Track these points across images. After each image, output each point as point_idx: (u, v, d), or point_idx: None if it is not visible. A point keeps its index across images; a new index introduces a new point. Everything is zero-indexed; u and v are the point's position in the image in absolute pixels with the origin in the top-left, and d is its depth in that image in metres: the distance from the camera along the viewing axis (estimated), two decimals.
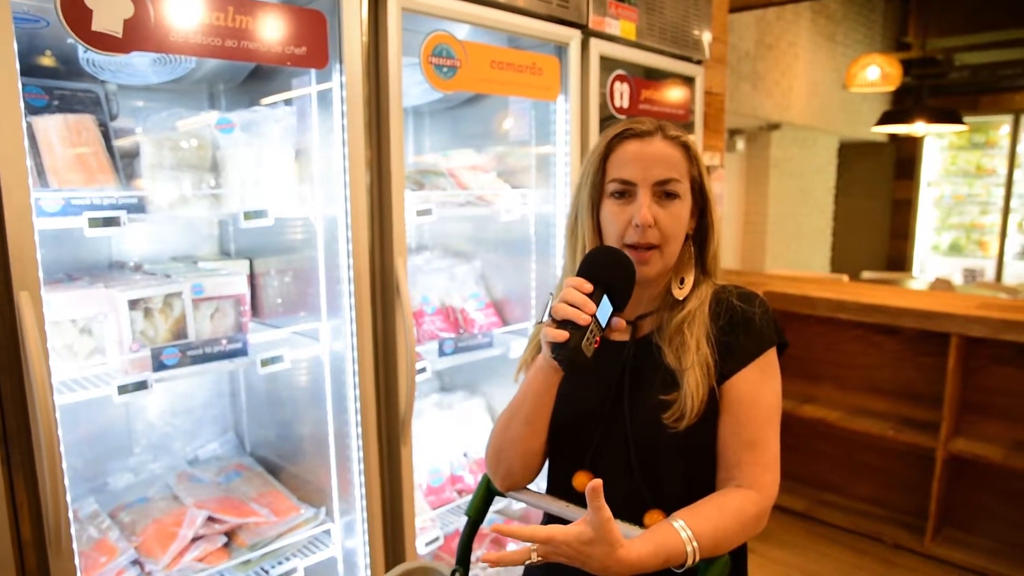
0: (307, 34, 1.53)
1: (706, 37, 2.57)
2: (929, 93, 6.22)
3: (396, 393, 1.78)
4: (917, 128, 5.76)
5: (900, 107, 6.49)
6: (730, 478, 1.08)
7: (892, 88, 5.66)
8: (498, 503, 1.45)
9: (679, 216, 1.12)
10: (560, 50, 2.07)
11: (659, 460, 1.10)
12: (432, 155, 2.34)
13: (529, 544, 0.94)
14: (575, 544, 0.92)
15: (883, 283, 5.43)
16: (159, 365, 1.50)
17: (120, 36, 1.28)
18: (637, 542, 0.94)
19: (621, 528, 0.94)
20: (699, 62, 2.60)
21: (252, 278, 1.98)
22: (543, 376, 1.10)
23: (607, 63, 2.21)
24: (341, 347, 1.74)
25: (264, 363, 1.64)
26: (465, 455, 2.31)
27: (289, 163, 1.72)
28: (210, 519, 1.68)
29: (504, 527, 0.95)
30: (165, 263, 1.89)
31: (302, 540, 1.79)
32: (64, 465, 1.26)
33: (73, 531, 1.30)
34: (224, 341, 1.60)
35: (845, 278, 4.90)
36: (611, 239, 1.13)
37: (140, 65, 1.58)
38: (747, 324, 1.12)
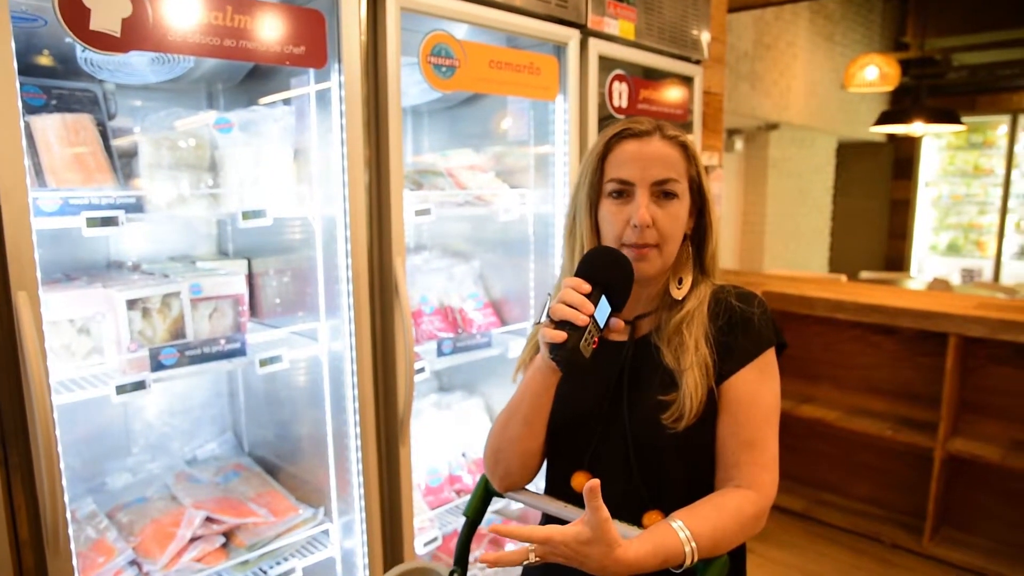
0: (306, 34, 1.53)
1: (704, 37, 2.57)
2: (927, 93, 6.23)
3: (395, 393, 1.78)
4: (915, 128, 5.77)
5: (898, 107, 6.49)
6: (729, 478, 1.08)
7: (890, 88, 5.67)
8: (496, 503, 1.45)
9: (677, 216, 1.12)
10: (559, 50, 2.07)
11: (658, 460, 1.10)
12: (431, 155, 2.34)
13: (527, 544, 0.94)
14: (573, 544, 0.92)
15: (881, 283, 5.43)
16: (157, 365, 1.50)
17: (118, 35, 1.28)
18: (635, 542, 0.94)
19: (619, 528, 0.94)
20: (698, 62, 2.61)
21: (250, 278, 1.98)
22: (541, 376, 1.10)
23: (606, 63, 2.21)
24: (340, 347, 1.74)
25: (263, 363, 1.64)
26: (463, 455, 2.31)
27: (287, 163, 1.72)
28: (208, 519, 1.68)
29: (502, 527, 0.95)
30: (163, 263, 1.89)
31: (300, 540, 1.79)
32: (62, 465, 1.25)
33: (71, 531, 1.30)
34: (222, 341, 1.59)
35: (843, 278, 4.90)
36: (609, 239, 1.13)
37: (138, 64, 1.58)
38: (746, 324, 1.12)
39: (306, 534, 1.79)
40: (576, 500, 1.11)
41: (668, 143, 1.12)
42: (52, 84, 1.52)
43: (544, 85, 2.05)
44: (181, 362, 1.53)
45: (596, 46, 2.14)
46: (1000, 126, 8.04)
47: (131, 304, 1.50)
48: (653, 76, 2.46)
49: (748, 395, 1.09)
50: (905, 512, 3.30)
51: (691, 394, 1.06)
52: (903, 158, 8.54)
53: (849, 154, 7.98)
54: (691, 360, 1.08)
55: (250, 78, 1.88)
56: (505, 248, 2.35)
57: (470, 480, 2.23)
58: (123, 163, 1.56)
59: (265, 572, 1.71)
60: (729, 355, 1.10)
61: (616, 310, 1.05)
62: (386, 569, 1.82)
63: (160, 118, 1.66)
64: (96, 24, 1.25)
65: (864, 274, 6.48)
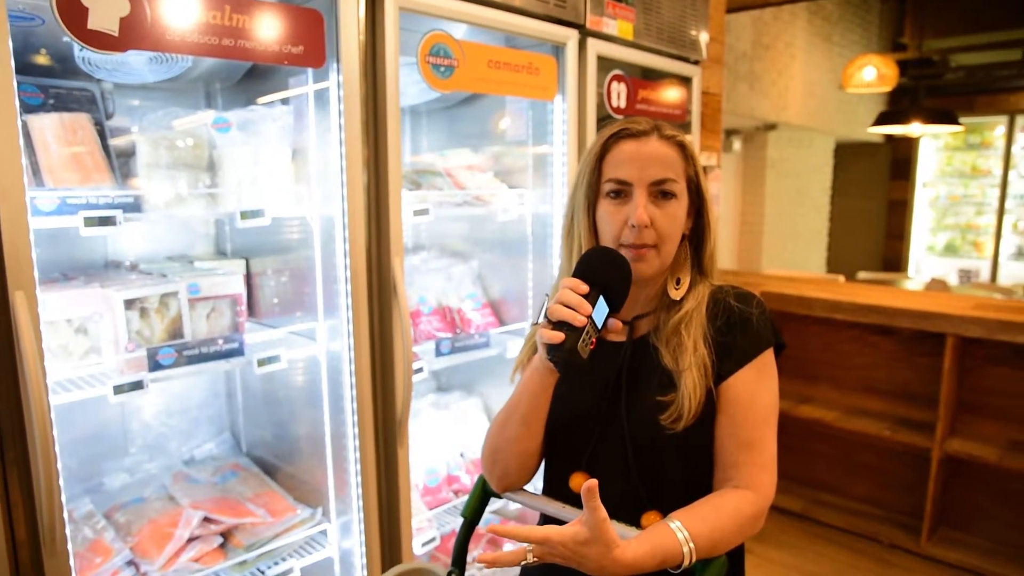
0: (304, 33, 1.52)
1: (703, 37, 2.58)
2: (925, 94, 6.24)
3: (393, 393, 1.78)
4: (913, 129, 5.78)
5: (896, 108, 6.50)
6: (727, 479, 1.08)
7: (888, 89, 5.68)
8: (494, 503, 1.45)
9: (675, 216, 1.12)
10: (557, 50, 2.07)
11: (656, 461, 1.10)
12: (429, 155, 2.34)
13: (525, 544, 0.94)
14: (571, 545, 0.92)
15: (879, 283, 5.44)
16: (155, 365, 1.49)
17: (116, 34, 1.27)
18: (633, 543, 0.94)
19: (617, 529, 0.94)
20: (696, 62, 2.61)
21: (248, 278, 1.98)
22: (539, 377, 1.10)
23: (604, 63, 2.21)
24: (338, 347, 1.73)
25: (261, 363, 1.63)
26: (462, 455, 2.31)
27: (286, 162, 1.71)
28: (206, 519, 1.67)
29: (500, 527, 0.95)
30: (161, 263, 1.89)
31: (298, 540, 1.79)
32: (59, 465, 1.25)
33: (68, 532, 1.30)
34: (220, 341, 1.59)
35: (841, 278, 4.91)
36: (607, 239, 1.13)
37: (136, 64, 1.57)
38: (744, 325, 1.12)
39: (304, 534, 1.79)
40: (574, 500, 1.10)
41: (666, 143, 1.12)
42: (50, 83, 1.52)
43: (543, 85, 2.05)
44: (179, 362, 1.53)
45: (595, 46, 2.15)
46: (997, 127, 8.05)
47: (129, 304, 1.50)
48: (651, 76, 2.46)
49: (747, 395, 1.09)
50: (903, 512, 3.31)
51: (690, 395, 1.06)
52: (901, 159, 8.55)
53: (847, 154, 8.00)
54: (690, 360, 1.08)
55: (248, 78, 1.88)
56: (503, 248, 2.35)
57: (468, 480, 2.23)
58: (121, 162, 1.55)
59: (263, 572, 1.70)
60: (728, 355, 1.10)
61: (614, 310, 1.05)
62: (384, 569, 1.82)
63: (158, 117, 1.65)
64: (94, 23, 1.25)
65: (862, 274, 6.49)
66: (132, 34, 1.29)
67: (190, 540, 1.63)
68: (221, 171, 1.64)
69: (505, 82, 1.94)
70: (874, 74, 5.50)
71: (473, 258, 2.41)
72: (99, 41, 1.26)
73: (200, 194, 1.60)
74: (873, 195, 8.63)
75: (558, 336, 0.99)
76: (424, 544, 1.98)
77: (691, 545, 0.96)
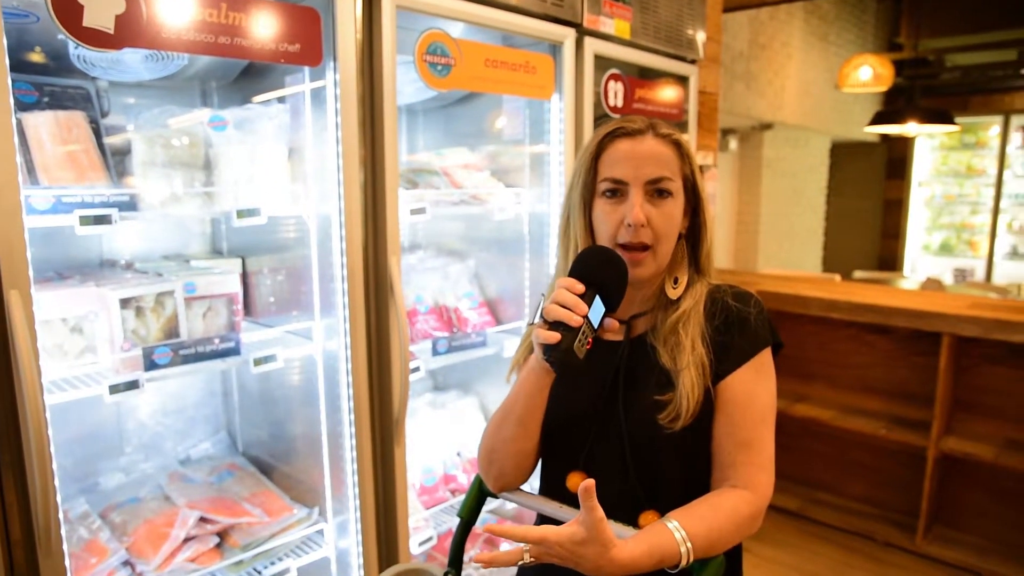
0: (301, 31, 1.52)
1: (700, 37, 2.58)
2: (920, 94, 6.25)
3: (389, 392, 1.77)
4: (909, 128, 5.79)
5: (892, 107, 6.52)
6: (725, 478, 1.08)
7: (884, 88, 5.69)
8: (491, 503, 1.45)
9: (672, 215, 1.12)
10: (554, 49, 2.07)
11: (654, 460, 1.10)
12: (426, 154, 2.33)
13: (522, 544, 0.94)
14: (568, 544, 0.92)
15: (875, 283, 5.45)
16: (151, 364, 1.49)
17: (111, 32, 1.27)
18: (630, 542, 0.94)
19: (615, 528, 0.94)
20: (693, 61, 2.61)
21: (245, 277, 1.97)
22: (535, 377, 1.09)
23: (601, 62, 2.21)
24: (334, 346, 1.73)
25: (257, 362, 1.63)
26: (458, 454, 2.30)
27: (282, 161, 1.71)
28: (202, 519, 1.67)
29: (497, 527, 0.95)
30: (157, 261, 1.88)
31: (295, 540, 1.79)
32: (54, 465, 1.25)
33: (63, 532, 1.29)
34: (216, 340, 1.59)
35: (837, 277, 4.92)
36: (603, 239, 1.12)
37: (132, 62, 1.57)
38: (742, 324, 1.12)
39: (301, 534, 1.79)
40: (571, 500, 1.10)
41: (661, 141, 1.12)
42: (44, 81, 1.51)
43: (540, 84, 2.04)
44: (175, 361, 1.52)
45: (592, 45, 2.14)
46: (992, 127, 8.08)
47: (124, 303, 1.49)
48: (648, 75, 2.46)
49: (744, 395, 1.09)
50: (899, 511, 3.32)
51: (688, 394, 1.06)
52: (896, 158, 8.57)
53: (843, 154, 8.01)
54: (688, 360, 1.08)
55: (245, 76, 1.88)
56: (500, 247, 2.34)
57: (465, 479, 2.23)
58: (116, 161, 1.55)
59: (260, 572, 1.70)
60: (725, 355, 1.10)
61: (611, 310, 1.05)
62: (381, 569, 1.81)
63: (154, 116, 1.65)
64: (89, 21, 1.24)
65: (858, 273, 6.51)
66: (127, 32, 1.28)
67: (186, 540, 1.62)
68: (217, 170, 1.63)
69: (502, 81, 1.94)
70: (870, 74, 5.51)
71: (470, 257, 2.41)
72: (94, 39, 1.25)
73: (196, 193, 1.60)
74: (869, 194, 8.65)
75: (554, 336, 0.98)
76: (421, 543, 1.97)
77: (688, 545, 0.96)
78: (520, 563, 0.94)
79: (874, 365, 3.39)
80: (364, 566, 1.80)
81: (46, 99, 1.49)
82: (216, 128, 1.63)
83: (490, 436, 1.18)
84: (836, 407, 3.44)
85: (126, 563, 1.57)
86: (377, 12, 1.63)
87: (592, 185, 1.14)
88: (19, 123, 1.38)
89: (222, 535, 1.69)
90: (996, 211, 8.05)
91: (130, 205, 1.45)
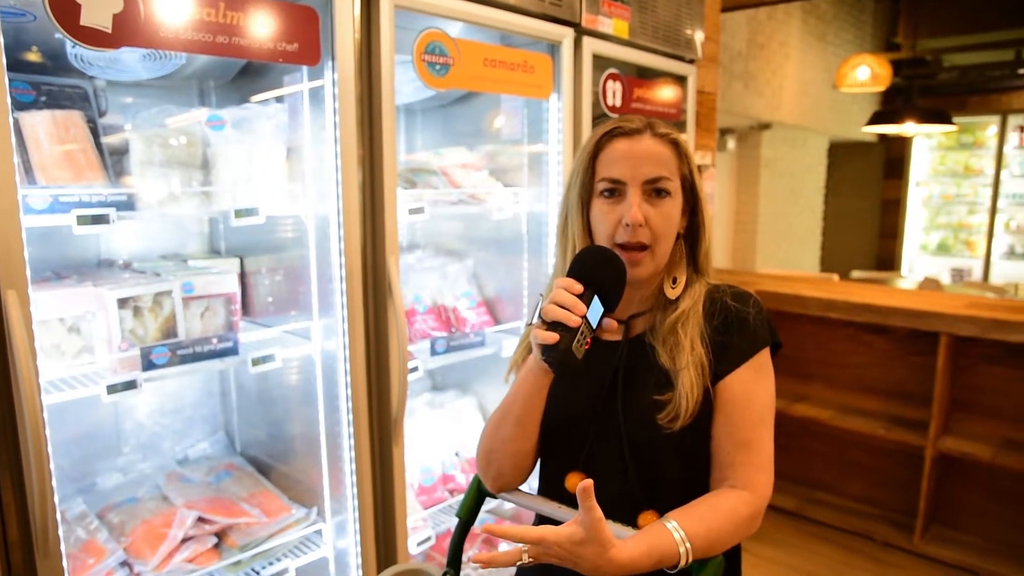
0: (299, 31, 1.52)
1: (698, 36, 2.58)
2: (918, 94, 6.26)
3: (388, 392, 1.77)
4: (907, 128, 5.80)
5: (890, 107, 6.52)
6: (724, 478, 1.08)
7: (882, 88, 5.69)
8: (490, 503, 1.44)
9: (670, 215, 1.11)
10: (553, 48, 2.07)
11: (653, 460, 1.10)
12: (424, 153, 2.33)
13: (520, 545, 0.94)
14: (566, 545, 0.92)
15: (872, 282, 5.46)
16: (148, 364, 1.48)
17: (109, 31, 1.26)
18: (629, 543, 0.94)
19: (614, 529, 0.94)
20: (691, 61, 2.61)
21: (243, 277, 1.97)
22: (533, 378, 1.09)
23: (600, 61, 2.21)
24: (333, 346, 1.73)
25: (255, 362, 1.63)
26: (457, 454, 2.30)
27: (280, 161, 1.71)
28: (200, 519, 1.66)
29: (495, 527, 0.95)
30: (154, 261, 1.87)
31: (293, 540, 1.78)
32: (52, 465, 1.24)
33: (61, 532, 1.29)
34: (215, 340, 1.58)
35: (835, 277, 4.92)
36: (601, 239, 1.12)
37: (129, 61, 1.56)
38: (741, 324, 1.12)
39: (299, 534, 1.78)
40: (570, 501, 1.10)
41: (659, 141, 1.12)
42: (41, 80, 1.51)
43: (538, 83, 2.04)
44: (173, 361, 1.52)
45: (590, 45, 2.14)
46: (990, 127, 8.09)
47: (122, 303, 1.49)
48: (647, 75, 2.46)
49: (743, 395, 1.09)
50: (897, 510, 3.32)
51: (687, 394, 1.05)
52: (894, 158, 8.58)
53: (841, 154, 8.02)
54: (687, 360, 1.08)
55: (243, 75, 1.87)
56: (499, 247, 2.34)
57: (463, 479, 2.23)
58: (114, 160, 1.54)
59: (258, 572, 1.70)
60: (724, 355, 1.10)
61: (609, 310, 1.04)
62: (379, 569, 1.81)
63: (151, 115, 1.64)
64: (86, 20, 1.24)
65: (855, 273, 6.51)
66: (125, 31, 1.28)
67: (184, 540, 1.62)
68: (215, 169, 1.63)
69: (501, 80, 1.94)
70: (868, 74, 5.51)
71: (468, 257, 2.41)
72: (92, 38, 1.25)
73: (194, 192, 1.59)
74: (866, 194, 8.66)
75: (552, 337, 0.98)
76: (419, 544, 1.97)
77: (687, 545, 0.96)
78: (518, 563, 0.94)
79: (872, 365, 3.39)
80: (362, 566, 1.79)
81: (43, 98, 1.48)
82: (214, 128, 1.63)
83: (488, 436, 1.18)
84: (834, 407, 3.44)
85: (124, 564, 1.57)
86: (375, 11, 1.62)
87: (590, 185, 1.14)
88: (16, 122, 1.37)
89: (220, 535, 1.69)
90: (993, 211, 8.06)
91: (128, 205, 1.45)
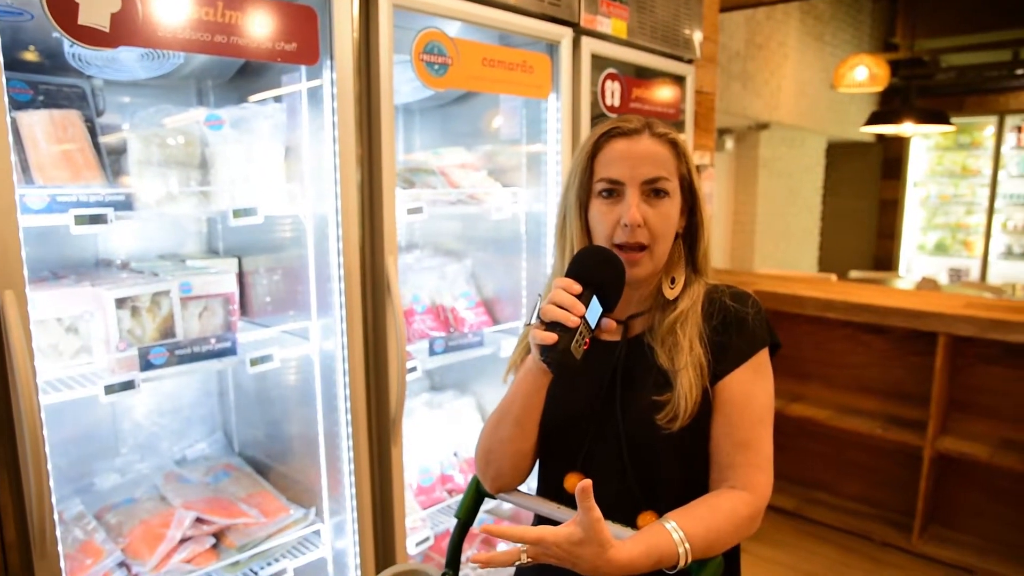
0: (297, 30, 1.51)
1: (697, 36, 2.58)
2: (916, 94, 6.27)
3: (386, 392, 1.77)
4: (905, 128, 5.81)
5: (888, 108, 6.53)
6: (723, 479, 1.08)
7: (880, 89, 5.70)
8: (488, 502, 1.44)
9: (668, 215, 1.11)
10: (551, 48, 2.07)
11: (652, 461, 1.10)
12: (422, 153, 2.33)
13: (519, 545, 0.94)
14: (565, 545, 0.91)
15: (870, 282, 5.47)
16: (146, 364, 1.48)
17: (107, 30, 1.26)
18: (628, 543, 0.94)
19: (613, 529, 0.94)
20: (690, 61, 2.61)
21: (241, 276, 1.97)
22: (532, 378, 1.09)
23: (598, 61, 2.21)
24: (331, 346, 1.73)
25: (253, 362, 1.62)
26: (455, 454, 2.30)
27: (279, 160, 1.70)
28: (198, 520, 1.66)
29: (494, 527, 0.94)
30: (152, 261, 1.87)
31: (291, 541, 1.78)
32: (49, 466, 1.24)
33: (58, 533, 1.29)
34: (213, 340, 1.58)
35: (833, 277, 4.93)
36: (600, 239, 1.12)
37: (127, 60, 1.56)
38: (740, 324, 1.12)
39: (297, 534, 1.78)
40: (569, 501, 1.10)
41: (658, 141, 1.11)
42: (39, 79, 1.50)
43: (537, 83, 2.04)
44: (171, 361, 1.52)
45: (589, 44, 2.14)
46: (987, 127, 8.11)
47: (120, 303, 1.49)
48: (645, 75, 2.46)
49: (742, 395, 1.09)
50: (895, 510, 3.32)
51: (686, 394, 1.05)
52: (892, 158, 8.60)
53: (838, 154, 8.03)
54: (685, 360, 1.08)
55: (241, 75, 1.87)
56: (497, 247, 2.34)
57: (462, 480, 2.23)
58: (112, 160, 1.54)
59: (256, 573, 1.69)
60: (723, 355, 1.10)
61: (608, 310, 1.04)
62: (378, 570, 1.81)
63: (149, 115, 1.64)
64: (84, 19, 1.23)
65: (853, 273, 6.52)
66: (123, 30, 1.28)
67: (182, 541, 1.62)
68: (213, 169, 1.63)
69: (499, 80, 1.94)
70: (866, 74, 5.52)
71: (467, 257, 2.41)
72: (89, 37, 1.25)
73: (192, 192, 1.59)
74: (864, 194, 8.67)
75: (551, 337, 0.98)
76: (418, 544, 1.97)
77: (687, 545, 0.96)
78: (517, 563, 0.94)
79: (870, 365, 3.40)
80: (361, 567, 1.79)
81: (41, 98, 1.48)
82: (212, 127, 1.63)
83: (487, 437, 1.18)
84: (832, 407, 3.44)
85: (122, 564, 1.57)
86: (374, 11, 1.62)
87: (588, 185, 1.13)
88: (14, 122, 1.37)
89: (218, 536, 1.69)
90: (991, 211, 8.08)
91: (126, 204, 1.45)
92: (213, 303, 1.65)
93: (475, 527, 1.27)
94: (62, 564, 1.30)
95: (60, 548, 1.29)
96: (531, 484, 1.25)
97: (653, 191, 1.10)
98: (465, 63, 1.85)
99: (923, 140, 8.50)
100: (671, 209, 1.12)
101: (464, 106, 2.35)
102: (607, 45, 2.21)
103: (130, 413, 1.94)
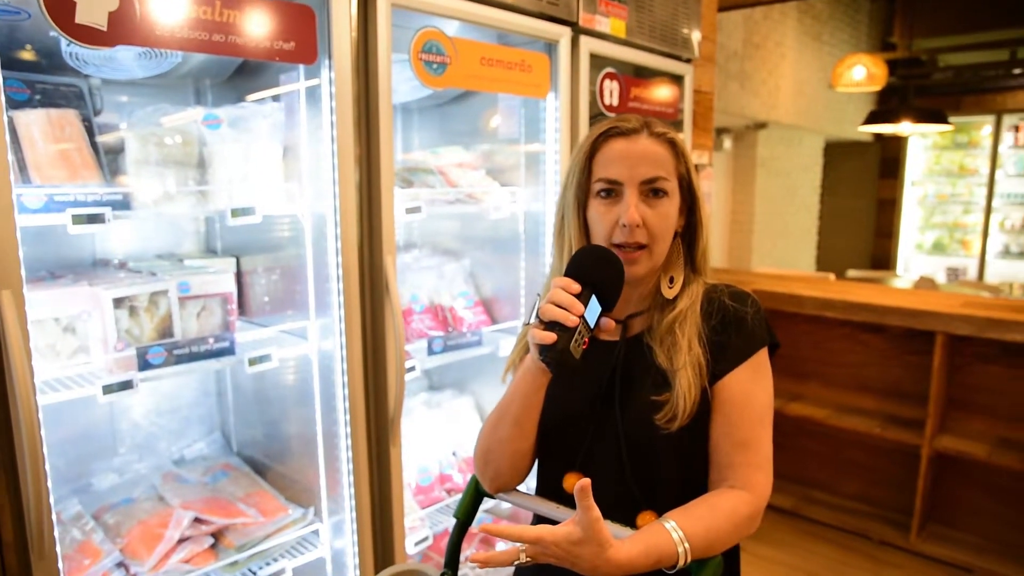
0: (296, 29, 1.51)
1: (695, 36, 2.58)
2: (914, 93, 6.28)
3: (385, 392, 1.77)
4: (903, 128, 5.82)
5: (885, 107, 6.54)
6: (722, 479, 1.08)
7: (877, 88, 5.70)
8: (487, 502, 1.44)
9: (667, 215, 1.11)
10: (550, 47, 2.07)
11: (651, 461, 1.10)
12: (421, 152, 2.33)
13: (518, 544, 0.94)
14: (564, 544, 0.91)
15: (868, 281, 5.48)
16: (144, 364, 1.48)
17: (104, 29, 1.26)
18: (627, 543, 0.93)
19: (612, 529, 0.93)
20: (688, 60, 2.61)
21: (239, 276, 1.96)
22: (531, 378, 1.09)
23: (597, 61, 2.20)
24: (329, 346, 1.72)
25: (252, 362, 1.62)
26: (454, 454, 2.30)
27: (277, 160, 1.70)
28: (196, 520, 1.66)
29: (493, 527, 0.94)
30: (150, 261, 1.87)
31: (290, 541, 1.78)
32: (47, 466, 1.24)
33: (56, 533, 1.29)
34: (211, 340, 1.58)
35: (831, 276, 4.94)
36: (598, 239, 1.11)
37: (125, 59, 1.55)
38: (739, 324, 1.12)
39: (296, 534, 1.78)
40: (568, 501, 1.10)
41: (656, 140, 1.11)
42: (36, 79, 1.50)
43: (535, 83, 2.04)
44: (168, 361, 1.51)
45: (587, 44, 2.14)
46: (984, 126, 8.12)
47: (118, 303, 1.48)
48: (644, 74, 2.46)
49: (741, 395, 1.09)
50: (893, 509, 3.33)
51: (685, 394, 1.05)
52: (889, 158, 8.61)
53: (836, 153, 8.04)
54: (684, 360, 1.07)
55: (239, 74, 1.87)
56: (496, 246, 2.34)
57: (460, 479, 2.23)
58: (109, 159, 1.54)
59: (255, 573, 1.69)
60: (722, 355, 1.10)
61: (607, 310, 1.04)
62: (377, 570, 1.81)
63: (147, 114, 1.64)
64: (81, 18, 1.23)
65: (851, 272, 6.53)
66: (121, 29, 1.27)
67: (180, 541, 1.62)
68: (211, 168, 1.62)
69: (498, 79, 1.94)
70: (863, 73, 5.52)
71: (465, 256, 2.41)
72: (87, 36, 1.24)
73: (190, 191, 1.59)
74: (862, 194, 8.68)
75: (550, 336, 0.98)
76: (417, 543, 1.97)
77: (686, 545, 0.95)
78: (516, 563, 0.94)
79: (868, 364, 3.40)
80: (360, 566, 1.79)
81: (38, 97, 1.48)
82: (210, 126, 1.62)
83: (486, 436, 1.18)
84: (830, 406, 3.45)
85: (120, 564, 1.56)
86: (372, 10, 1.62)
87: (586, 185, 1.13)
88: (11, 121, 1.36)
89: (217, 536, 1.68)
90: (988, 210, 8.09)
91: (123, 204, 1.44)
92: (211, 303, 1.65)
93: (474, 527, 1.27)
94: (60, 564, 1.30)
95: (58, 548, 1.29)
96: (530, 484, 1.25)
97: (652, 191, 1.09)
98: (463, 62, 1.84)
99: (921, 139, 8.51)
100: (670, 209, 1.11)
101: (462, 105, 2.34)
102: (605, 44, 2.21)
103: (128, 413, 1.93)
